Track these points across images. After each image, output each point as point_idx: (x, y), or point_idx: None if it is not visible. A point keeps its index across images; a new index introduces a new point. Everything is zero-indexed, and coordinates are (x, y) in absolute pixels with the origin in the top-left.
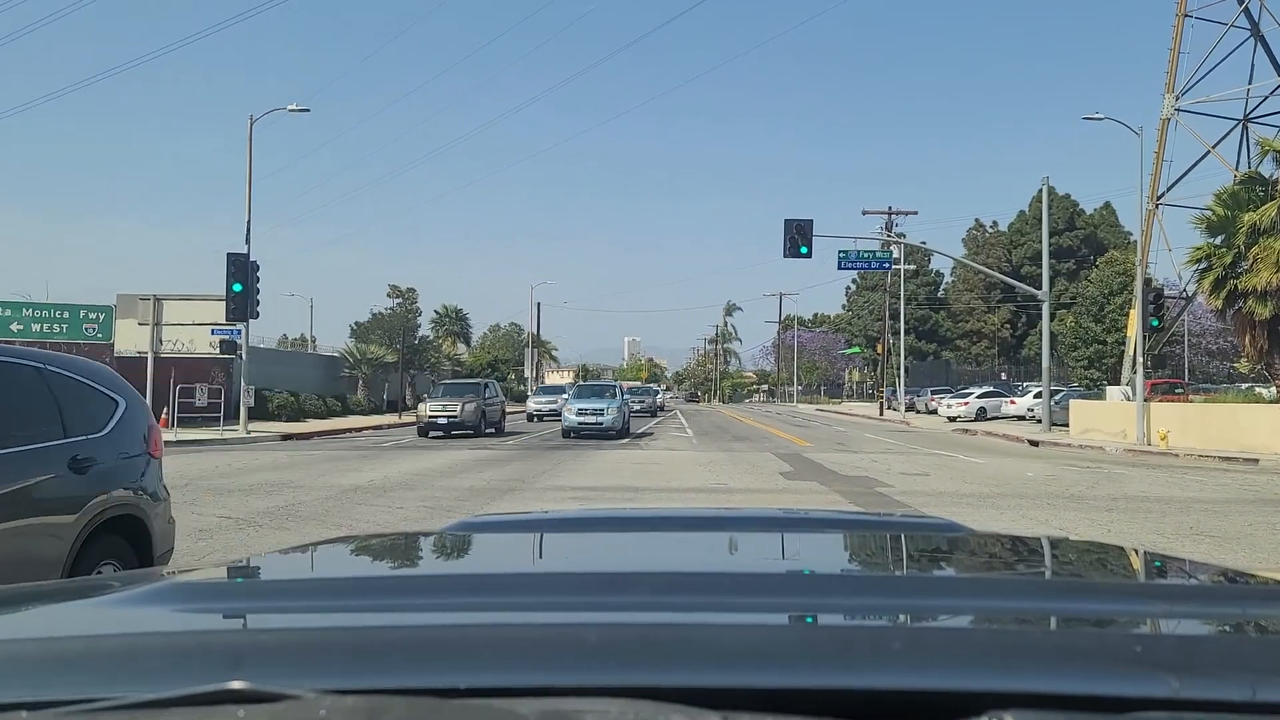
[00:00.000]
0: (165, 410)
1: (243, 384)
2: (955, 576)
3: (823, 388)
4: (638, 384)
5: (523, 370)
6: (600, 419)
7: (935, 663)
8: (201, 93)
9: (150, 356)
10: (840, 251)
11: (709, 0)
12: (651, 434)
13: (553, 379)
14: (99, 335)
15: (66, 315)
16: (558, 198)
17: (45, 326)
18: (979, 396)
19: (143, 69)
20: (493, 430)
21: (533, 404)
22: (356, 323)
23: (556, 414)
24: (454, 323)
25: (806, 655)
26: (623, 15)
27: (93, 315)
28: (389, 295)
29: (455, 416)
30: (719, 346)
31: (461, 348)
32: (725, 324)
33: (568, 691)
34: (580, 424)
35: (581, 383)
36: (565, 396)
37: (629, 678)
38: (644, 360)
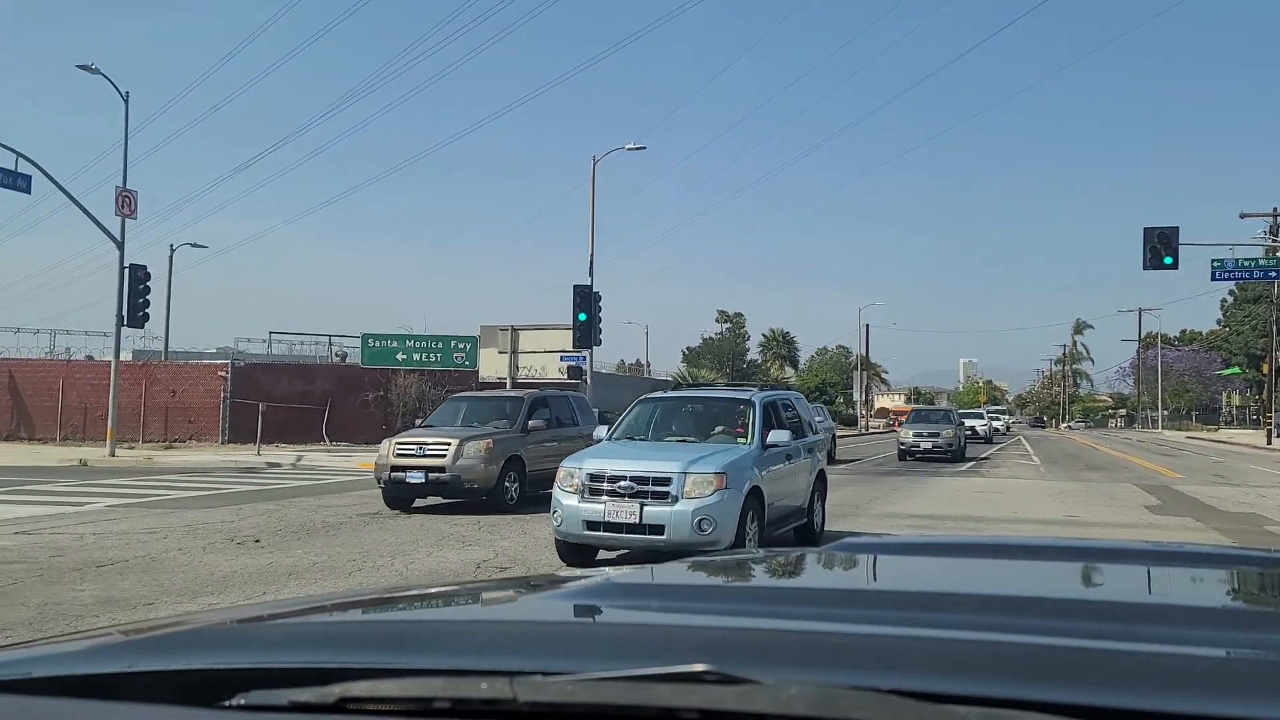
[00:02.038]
0: None
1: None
2: None
3: (1194, 413)
4: (922, 407)
5: (851, 394)
6: (658, 519)
7: None
8: (550, 137)
9: (509, 382)
10: (1214, 261)
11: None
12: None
13: (882, 403)
14: (466, 363)
15: (440, 345)
16: (887, 216)
17: (423, 355)
18: None
19: (501, 120)
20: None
21: None
22: (688, 348)
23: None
24: (781, 346)
25: (1243, 687)
26: (954, 23)
27: (460, 345)
28: (718, 320)
29: (441, 469)
30: (1067, 368)
31: (789, 371)
32: (1074, 343)
33: (1004, 703)
34: (605, 529)
35: (658, 395)
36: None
37: (1059, 694)
38: (981, 383)
